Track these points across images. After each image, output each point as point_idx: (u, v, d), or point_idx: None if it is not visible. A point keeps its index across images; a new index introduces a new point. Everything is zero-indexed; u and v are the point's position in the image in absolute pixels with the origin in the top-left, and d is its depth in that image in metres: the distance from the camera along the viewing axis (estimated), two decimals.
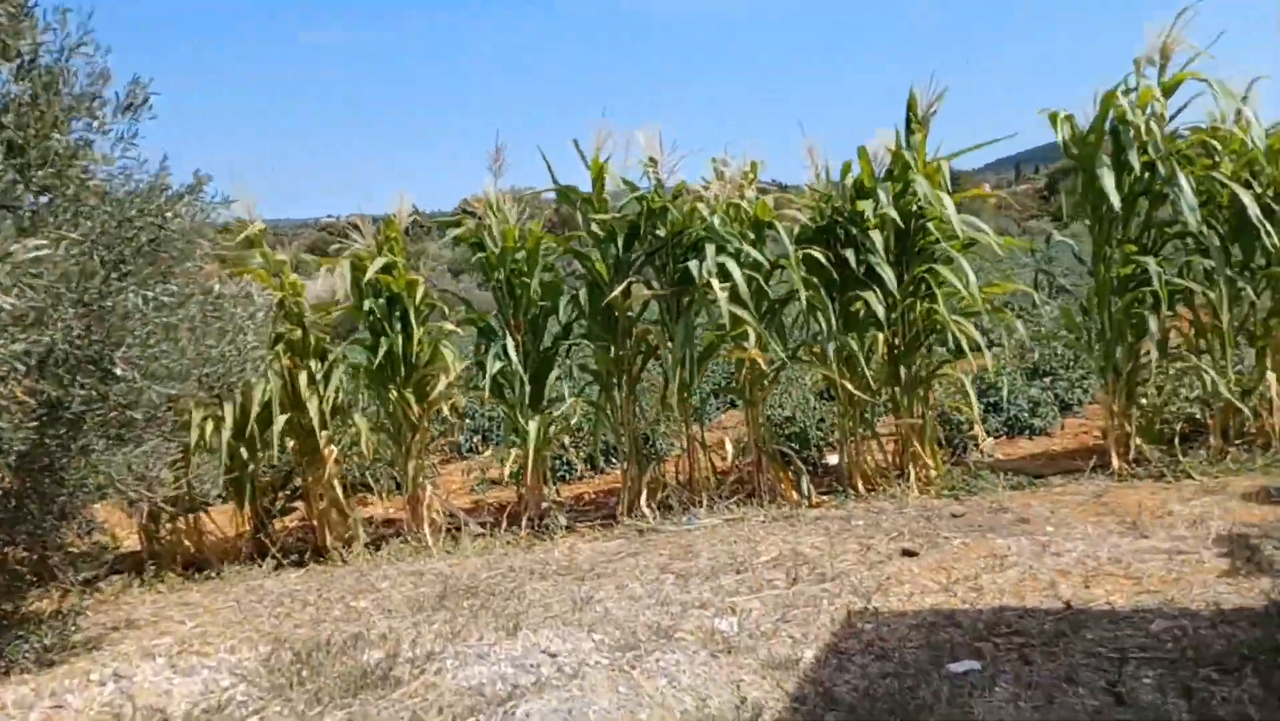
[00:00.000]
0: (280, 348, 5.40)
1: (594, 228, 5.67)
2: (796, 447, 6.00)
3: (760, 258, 5.47)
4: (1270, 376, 5.41)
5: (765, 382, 5.78)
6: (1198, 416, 5.82)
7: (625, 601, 4.00)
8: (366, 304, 5.53)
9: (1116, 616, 3.30)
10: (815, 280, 5.46)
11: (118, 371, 3.25)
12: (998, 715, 2.69)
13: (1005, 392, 6.60)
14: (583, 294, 5.70)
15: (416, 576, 4.78)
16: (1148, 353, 5.55)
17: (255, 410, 5.20)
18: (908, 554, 4.29)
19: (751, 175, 5.77)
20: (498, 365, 5.51)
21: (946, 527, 4.64)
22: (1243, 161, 5.42)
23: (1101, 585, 3.61)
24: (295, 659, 3.58)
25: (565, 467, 6.71)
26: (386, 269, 5.54)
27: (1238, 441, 5.53)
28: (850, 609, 3.64)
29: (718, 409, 8.29)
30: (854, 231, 5.51)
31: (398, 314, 5.59)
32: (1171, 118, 5.52)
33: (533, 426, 5.59)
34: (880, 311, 5.36)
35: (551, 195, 6.01)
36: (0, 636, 3.74)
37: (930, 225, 5.57)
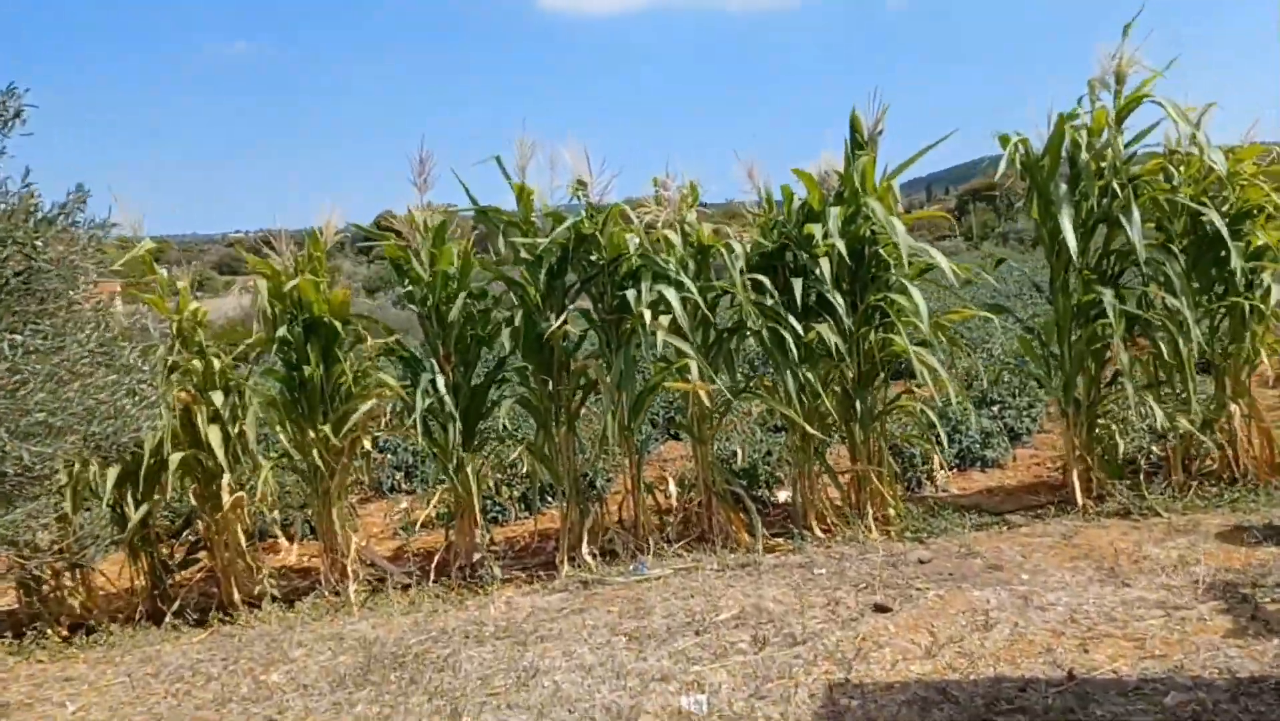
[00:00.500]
0: (176, 377, 4.81)
1: (522, 253, 5.21)
2: (745, 484, 5.63)
3: (693, 291, 5.02)
4: (1232, 408, 5.27)
5: (714, 419, 5.40)
6: (1154, 451, 5.65)
7: (576, 673, 3.56)
8: (281, 330, 4.96)
9: (1125, 687, 3.00)
10: (765, 307, 5.10)
11: None
12: None
13: (970, 422, 6.34)
14: (519, 318, 5.18)
15: (336, 641, 4.26)
16: (1109, 384, 5.36)
17: (147, 458, 4.61)
18: (880, 609, 3.96)
19: (692, 198, 5.40)
20: (426, 401, 5.00)
21: (916, 576, 4.32)
22: (1200, 188, 5.28)
23: (1101, 649, 3.31)
24: None
25: (497, 509, 6.21)
26: (306, 289, 4.99)
27: (1200, 475, 5.37)
28: (830, 680, 3.27)
29: (656, 440, 7.89)
30: (804, 258, 5.20)
31: (320, 342, 5.05)
32: (1128, 145, 5.36)
33: (469, 469, 5.11)
34: (834, 341, 5.04)
35: (469, 214, 5.52)
36: None
37: (883, 251, 5.29)
